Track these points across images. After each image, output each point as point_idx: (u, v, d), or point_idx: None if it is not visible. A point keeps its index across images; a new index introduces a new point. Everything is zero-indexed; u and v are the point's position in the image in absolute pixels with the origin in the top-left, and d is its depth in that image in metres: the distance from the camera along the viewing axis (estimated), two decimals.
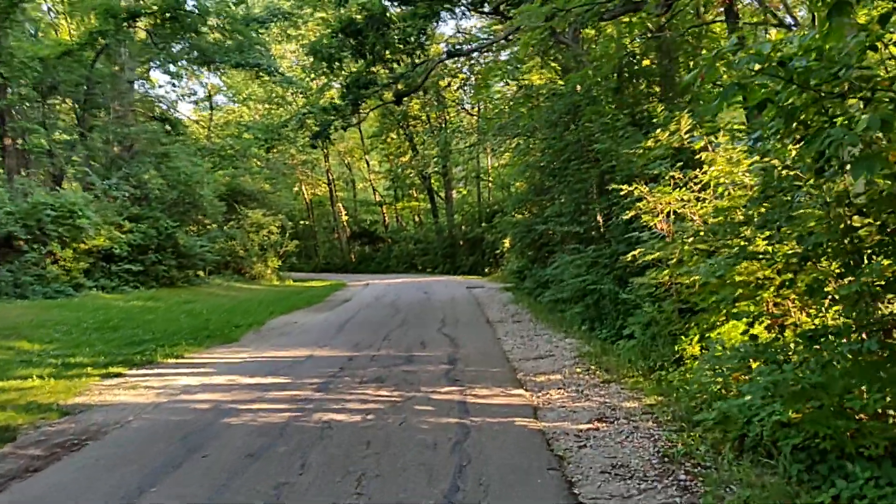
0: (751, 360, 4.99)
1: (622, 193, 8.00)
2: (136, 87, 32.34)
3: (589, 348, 9.39)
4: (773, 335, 4.89)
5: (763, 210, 4.77)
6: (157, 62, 32.44)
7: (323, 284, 31.23)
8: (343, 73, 18.42)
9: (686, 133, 6.53)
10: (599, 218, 13.47)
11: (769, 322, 5.64)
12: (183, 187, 25.40)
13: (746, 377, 5.36)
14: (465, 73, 34.35)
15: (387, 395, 6.97)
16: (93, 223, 20.31)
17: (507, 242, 31.22)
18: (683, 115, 6.66)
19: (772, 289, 5.36)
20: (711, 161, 6.73)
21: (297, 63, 46.58)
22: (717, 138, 6.72)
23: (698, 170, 6.91)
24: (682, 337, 7.25)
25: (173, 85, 49.51)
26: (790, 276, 4.66)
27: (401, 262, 42.80)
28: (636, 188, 7.63)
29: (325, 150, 50.29)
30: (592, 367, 8.09)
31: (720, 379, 5.59)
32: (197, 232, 29.94)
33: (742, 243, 5.11)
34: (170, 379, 8.41)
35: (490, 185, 41.11)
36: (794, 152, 4.90)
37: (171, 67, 37.49)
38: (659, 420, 5.62)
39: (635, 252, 7.69)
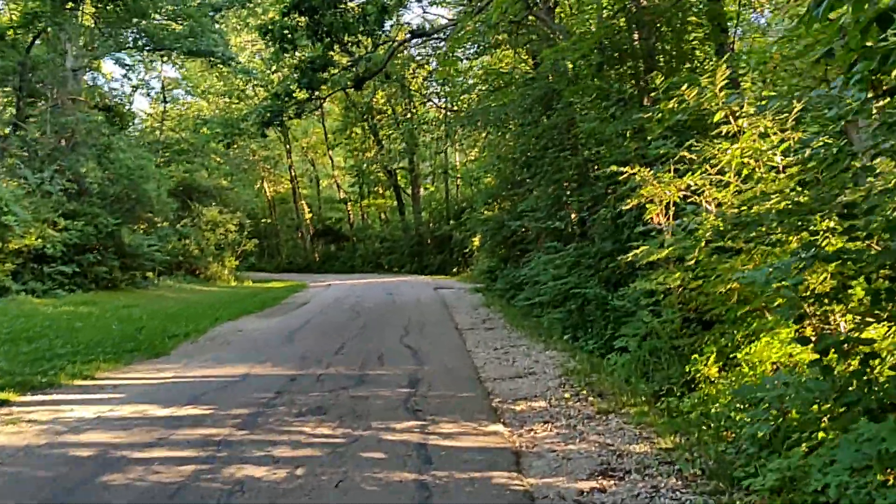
0: (817, 402, 3.60)
1: (622, 178, 6.56)
2: (86, 77, 30.32)
3: (575, 364, 7.98)
4: (853, 366, 3.48)
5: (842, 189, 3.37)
6: (104, 49, 30.33)
7: (282, 285, 29.54)
8: (298, 56, 16.70)
9: (721, 90, 5.11)
10: (574, 215, 12.12)
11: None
12: (126, 181, 23.45)
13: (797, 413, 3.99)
14: (432, 65, 32.84)
15: (327, 435, 5.46)
16: (21, 221, 18.38)
17: (476, 241, 29.84)
18: (721, 65, 5.24)
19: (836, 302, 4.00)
20: (734, 136, 5.35)
21: (260, 57, 44.41)
22: (742, 107, 5.32)
23: (716, 148, 5.51)
24: (696, 356, 5.88)
25: (128, 78, 46.91)
26: (885, 283, 3.27)
27: (366, 261, 41.16)
28: (638, 171, 6.22)
29: (287, 146, 48.51)
30: (583, 391, 6.68)
31: (757, 420, 4.19)
32: (145, 230, 28.06)
33: (808, 238, 3.72)
34: (64, 409, 6.79)
35: (458, 181, 39.70)
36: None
37: (126, 59, 35.57)
38: (684, 475, 4.21)
39: (637, 251, 6.28)
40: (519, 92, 14.57)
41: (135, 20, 27.95)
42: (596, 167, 9.52)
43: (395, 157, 36.51)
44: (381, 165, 37.27)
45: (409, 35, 19.31)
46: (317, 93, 16.04)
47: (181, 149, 38.87)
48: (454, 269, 31.42)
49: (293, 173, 49.26)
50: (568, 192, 11.53)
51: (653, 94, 7.75)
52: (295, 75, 17.98)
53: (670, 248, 5.55)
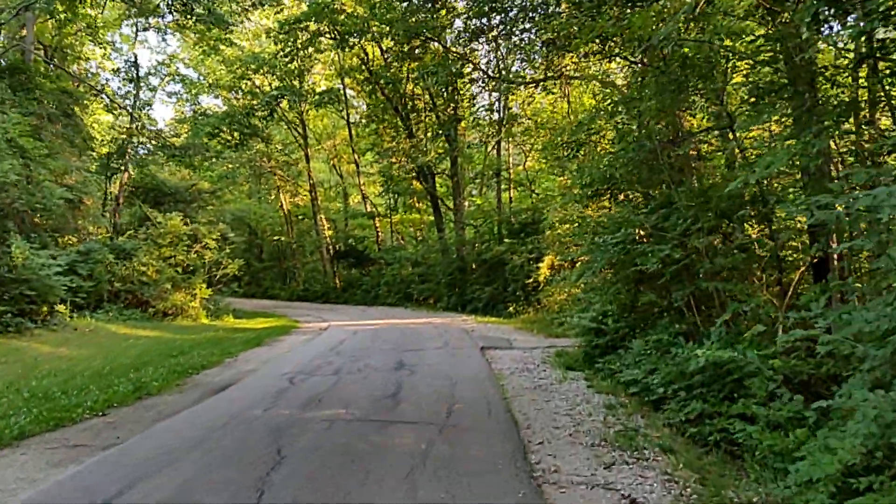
0: None
1: None
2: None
3: None
4: None
5: None
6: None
7: (261, 326, 20.48)
8: None
9: None
10: None
11: None
12: None
13: None
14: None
15: None
16: None
17: (544, 266, 20.24)
18: None
19: None
20: None
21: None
22: None
23: None
24: None
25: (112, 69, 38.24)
26: None
27: (393, 290, 31.75)
28: None
29: (305, 150, 39.46)
30: None
31: None
32: (52, 245, 19.23)
33: None
34: None
35: (513, 188, 30.13)
36: None
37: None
38: None
39: None
40: None
41: None
42: None
43: (429, 147, 26.99)
44: (413, 160, 27.56)
45: None
46: None
47: (161, 143, 30.34)
48: (510, 308, 21.66)
49: (312, 181, 40.06)
50: None
51: None
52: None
53: None
